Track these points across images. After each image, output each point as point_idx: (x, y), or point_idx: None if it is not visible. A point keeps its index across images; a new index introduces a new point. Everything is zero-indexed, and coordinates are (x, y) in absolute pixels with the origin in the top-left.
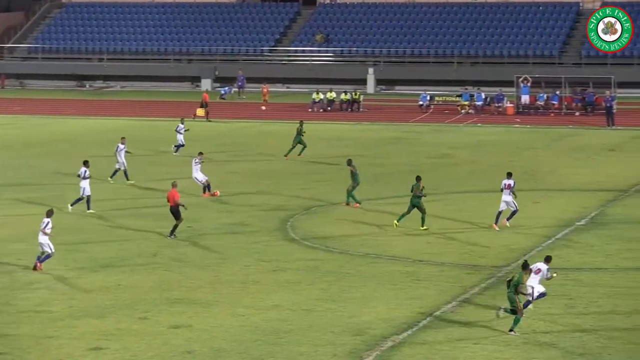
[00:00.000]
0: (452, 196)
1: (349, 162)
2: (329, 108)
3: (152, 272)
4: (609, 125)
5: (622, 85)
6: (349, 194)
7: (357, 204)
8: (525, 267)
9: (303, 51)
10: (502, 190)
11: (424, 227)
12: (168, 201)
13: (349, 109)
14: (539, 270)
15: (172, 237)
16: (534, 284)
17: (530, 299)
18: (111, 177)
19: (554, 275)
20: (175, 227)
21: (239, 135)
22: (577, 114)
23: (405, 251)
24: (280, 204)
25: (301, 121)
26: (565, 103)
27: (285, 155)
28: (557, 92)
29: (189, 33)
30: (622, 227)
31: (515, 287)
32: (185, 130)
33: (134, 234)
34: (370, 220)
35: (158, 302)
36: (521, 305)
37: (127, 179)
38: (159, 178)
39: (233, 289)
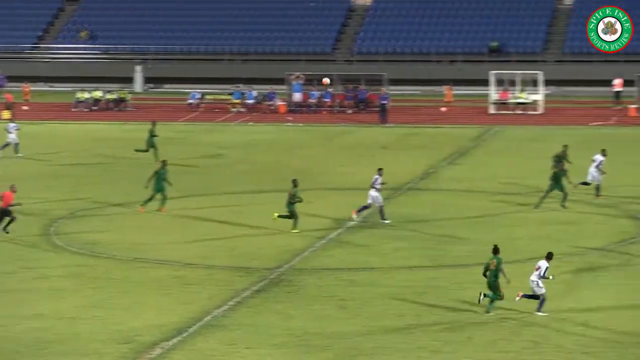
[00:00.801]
0: (224, 197)
1: (164, 164)
2: (94, 107)
3: None
4: (382, 123)
5: (394, 82)
6: (165, 197)
7: (142, 209)
8: (496, 251)
9: (67, 48)
10: (372, 187)
11: (295, 230)
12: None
13: (116, 108)
14: (538, 268)
15: (5, 231)
16: (536, 280)
17: (539, 298)
18: None
19: (551, 277)
20: (10, 222)
21: None
22: (349, 111)
23: (175, 255)
24: (45, 209)
25: (154, 122)
26: (338, 100)
27: (157, 160)
28: (330, 90)
29: None
30: (395, 226)
31: (495, 273)
32: (17, 130)
33: None
34: (140, 224)
35: None
36: (503, 291)
37: None
38: None
39: None
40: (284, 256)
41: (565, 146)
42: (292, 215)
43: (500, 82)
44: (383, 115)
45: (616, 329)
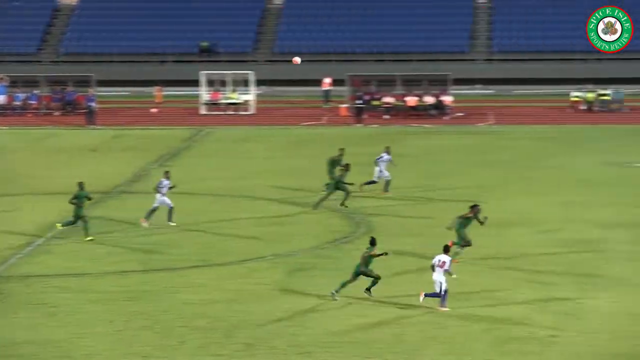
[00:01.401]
0: None
1: None
2: None
3: None
4: (89, 125)
5: (103, 83)
6: None
7: None
8: (373, 243)
9: None
10: (157, 190)
11: (89, 238)
12: None
13: None
14: (443, 264)
15: None
16: (441, 279)
17: (442, 292)
18: None
19: (454, 276)
20: None
21: None
22: (56, 113)
23: None
24: None
25: None
26: (45, 102)
27: None
28: (36, 92)
29: None
30: (106, 231)
31: (367, 262)
32: None
33: None
34: None
35: None
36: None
37: None
38: None
39: None
40: None
41: (342, 149)
42: (82, 219)
43: (211, 83)
44: (90, 117)
45: (330, 329)
